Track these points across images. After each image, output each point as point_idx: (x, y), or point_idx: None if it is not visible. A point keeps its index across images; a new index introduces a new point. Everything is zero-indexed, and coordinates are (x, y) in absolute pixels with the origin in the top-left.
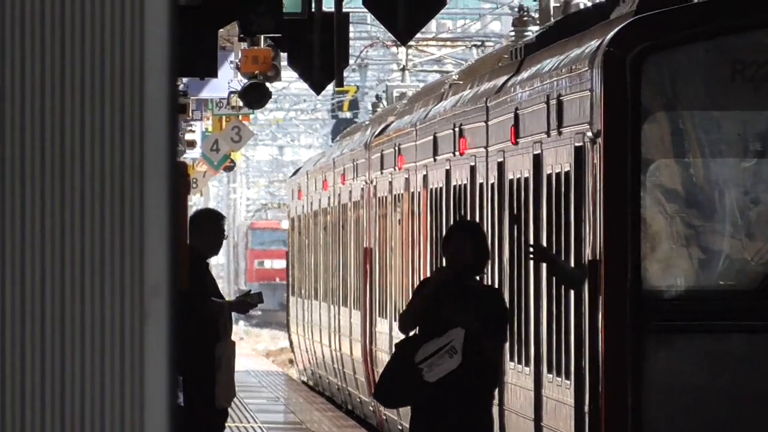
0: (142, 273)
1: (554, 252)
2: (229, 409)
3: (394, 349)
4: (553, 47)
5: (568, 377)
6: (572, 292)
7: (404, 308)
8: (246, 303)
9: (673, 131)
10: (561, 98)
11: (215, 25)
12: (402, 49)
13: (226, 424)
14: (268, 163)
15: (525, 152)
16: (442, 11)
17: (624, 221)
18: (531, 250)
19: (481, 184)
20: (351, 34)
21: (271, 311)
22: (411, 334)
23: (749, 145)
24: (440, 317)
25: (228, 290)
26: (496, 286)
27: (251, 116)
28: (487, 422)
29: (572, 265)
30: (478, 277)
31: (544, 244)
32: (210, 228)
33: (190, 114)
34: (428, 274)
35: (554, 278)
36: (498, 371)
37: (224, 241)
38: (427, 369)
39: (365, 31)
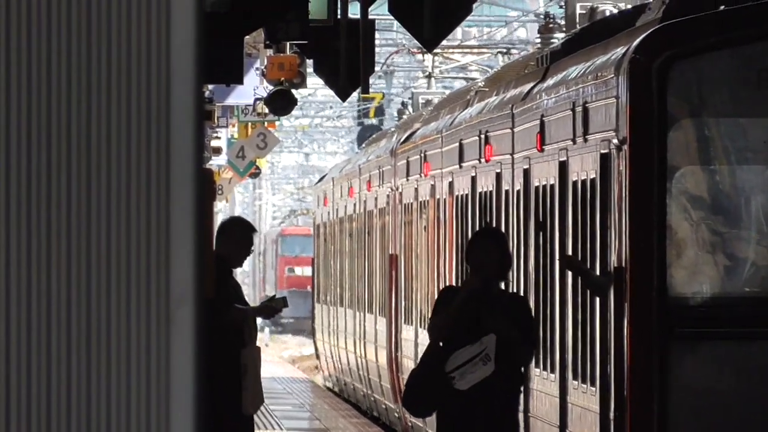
0: (168, 281)
1: (580, 259)
2: (255, 416)
3: (421, 358)
4: (579, 54)
5: (593, 384)
6: (597, 298)
7: (431, 317)
8: (270, 308)
9: (698, 138)
10: (587, 105)
11: (241, 32)
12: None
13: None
14: (294, 169)
15: (551, 159)
16: (468, 18)
17: (650, 228)
18: (559, 259)
19: (506, 191)
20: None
21: (303, 318)
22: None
23: None
24: (472, 325)
25: (253, 297)
26: (522, 292)
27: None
28: (514, 429)
29: (598, 272)
30: (502, 285)
31: (570, 250)
32: (239, 238)
33: (216, 121)
34: (453, 281)
35: (582, 286)
36: (523, 378)
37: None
38: (459, 377)
39: (391, 38)
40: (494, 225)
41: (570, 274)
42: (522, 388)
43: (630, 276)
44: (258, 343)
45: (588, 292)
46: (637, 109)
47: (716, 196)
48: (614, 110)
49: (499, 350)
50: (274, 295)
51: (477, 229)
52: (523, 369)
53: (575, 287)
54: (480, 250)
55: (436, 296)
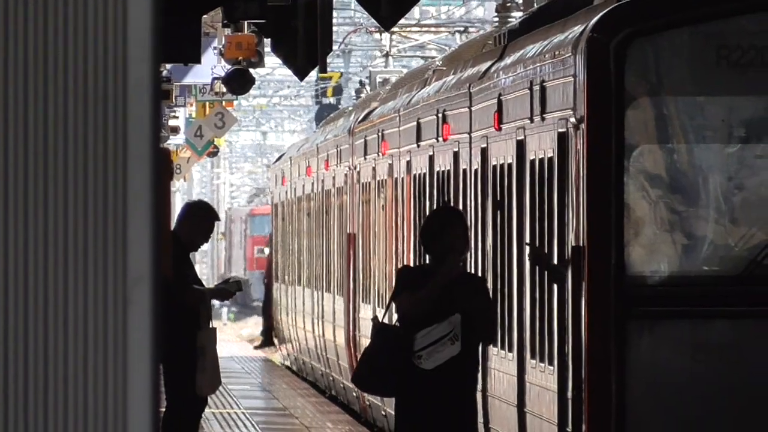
0: (125, 260)
1: (538, 240)
2: (213, 395)
3: (373, 335)
4: (537, 33)
5: (551, 363)
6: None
7: (396, 296)
8: (226, 291)
9: (657, 117)
10: (544, 84)
11: (199, 11)
12: (386, 35)
13: (210, 411)
14: (252, 148)
15: (508, 138)
16: None
17: (607, 207)
18: (529, 252)
19: (464, 170)
20: (334, 20)
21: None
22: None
23: (733, 130)
24: (444, 305)
25: (211, 278)
26: (480, 272)
27: (235, 102)
28: (473, 408)
29: (556, 252)
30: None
31: (528, 229)
32: (201, 223)
33: (174, 100)
34: (411, 260)
35: (548, 280)
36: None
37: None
38: (426, 356)
39: (349, 17)
40: (452, 204)
41: (528, 251)
42: (479, 368)
43: (588, 255)
44: (215, 324)
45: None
46: (594, 87)
47: (674, 175)
48: (572, 89)
49: (464, 330)
50: (230, 278)
51: (435, 207)
52: (480, 349)
53: (533, 266)
54: (451, 230)
55: (394, 275)
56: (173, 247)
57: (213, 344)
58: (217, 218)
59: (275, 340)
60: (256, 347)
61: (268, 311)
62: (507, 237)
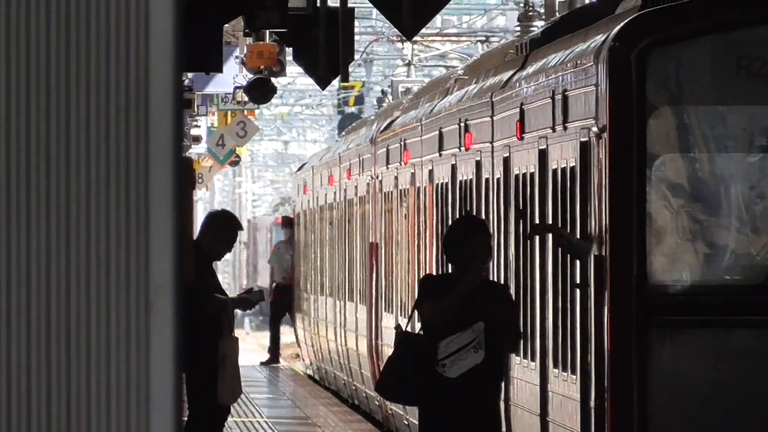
0: (148, 269)
1: (559, 248)
2: (235, 404)
3: (396, 344)
4: (559, 42)
5: (573, 372)
6: (578, 291)
7: (419, 305)
8: (248, 300)
9: (678, 126)
10: (566, 93)
11: (220, 20)
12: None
13: (232, 419)
14: (274, 157)
15: (530, 147)
16: (448, 6)
17: (629, 216)
18: (535, 226)
19: (486, 179)
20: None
21: None
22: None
23: (755, 139)
24: (467, 314)
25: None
26: (502, 280)
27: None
28: (497, 416)
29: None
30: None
31: (550, 239)
32: (223, 232)
33: (196, 109)
34: (433, 269)
35: (560, 249)
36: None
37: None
38: (449, 365)
39: (370, 26)
40: (474, 213)
41: (551, 239)
42: (504, 377)
43: (610, 264)
44: (237, 333)
45: (568, 253)
46: (616, 96)
47: (696, 184)
48: (594, 98)
49: (487, 338)
50: (252, 288)
51: (457, 216)
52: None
53: (555, 275)
54: (474, 239)
55: (417, 284)
56: (195, 256)
57: (234, 353)
58: (240, 228)
59: (298, 350)
60: (262, 363)
61: (275, 324)
62: (530, 246)
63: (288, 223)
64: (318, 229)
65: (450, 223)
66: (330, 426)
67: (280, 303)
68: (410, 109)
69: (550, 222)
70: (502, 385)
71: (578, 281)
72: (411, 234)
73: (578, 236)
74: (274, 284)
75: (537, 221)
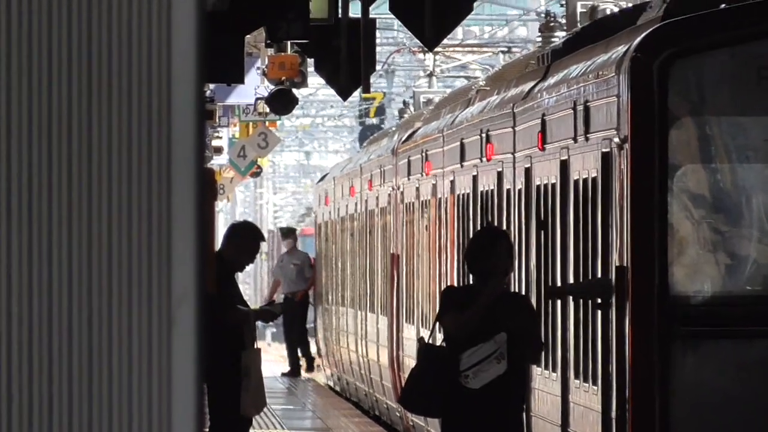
0: (170, 281)
1: (581, 257)
2: (257, 416)
3: (419, 356)
4: (580, 53)
5: (595, 383)
6: (599, 299)
7: (441, 316)
8: (270, 312)
9: (700, 137)
10: (588, 104)
11: (242, 31)
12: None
13: (253, 431)
14: (295, 168)
15: (552, 158)
16: (469, 17)
17: (651, 227)
18: (548, 289)
19: (508, 190)
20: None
21: None
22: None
23: None
24: (488, 325)
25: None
26: (524, 291)
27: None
28: (519, 427)
29: (599, 273)
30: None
31: (572, 249)
32: (247, 243)
33: (217, 120)
34: (455, 280)
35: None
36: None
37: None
38: (472, 376)
39: (392, 37)
40: (495, 224)
41: (572, 270)
42: (526, 387)
43: (632, 275)
44: (259, 344)
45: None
46: (638, 107)
47: (717, 195)
48: (615, 109)
49: (509, 349)
50: (273, 300)
51: (479, 228)
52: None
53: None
54: (495, 250)
55: (438, 295)
56: (217, 268)
57: (257, 365)
58: (263, 239)
59: (320, 360)
60: (283, 374)
61: (289, 336)
62: (551, 257)
63: (287, 233)
64: (339, 239)
65: (471, 234)
66: None
67: (291, 315)
68: (431, 119)
69: (572, 252)
70: (525, 396)
71: (600, 300)
72: (432, 245)
73: (599, 269)
74: (282, 297)
75: (558, 232)
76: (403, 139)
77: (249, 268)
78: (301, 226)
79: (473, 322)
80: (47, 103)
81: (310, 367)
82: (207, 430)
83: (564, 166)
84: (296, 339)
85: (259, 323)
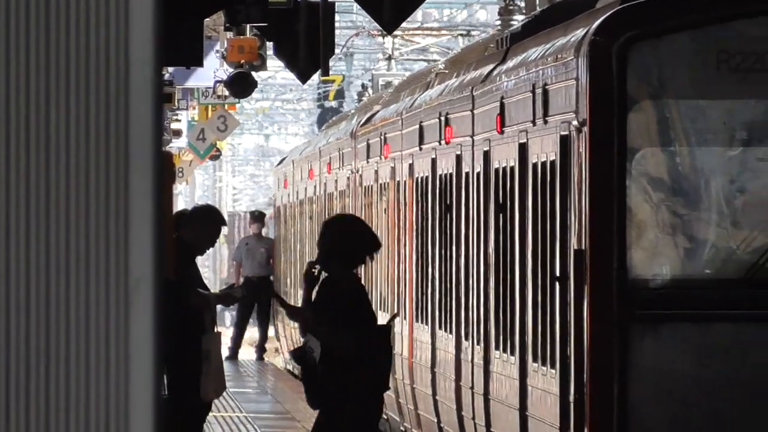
0: (128, 263)
1: (540, 239)
2: (216, 400)
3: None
4: (539, 36)
5: (553, 366)
6: (557, 283)
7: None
8: (231, 296)
9: (659, 120)
10: (547, 87)
11: (201, 14)
12: (388, 38)
13: (212, 414)
14: (254, 151)
15: (511, 141)
16: (428, 0)
17: (610, 210)
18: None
19: (467, 173)
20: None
21: None
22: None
23: (735, 134)
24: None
25: (214, 282)
26: (483, 275)
27: (237, 105)
28: (360, 415)
29: (559, 257)
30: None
31: (530, 233)
32: (208, 227)
33: (176, 103)
34: (413, 264)
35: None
36: (363, 362)
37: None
38: (309, 353)
39: (351, 21)
40: (454, 207)
41: (530, 254)
42: (362, 374)
43: (590, 258)
44: (219, 328)
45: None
46: (596, 90)
47: (676, 178)
48: (574, 92)
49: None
50: (234, 284)
51: (436, 210)
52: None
53: (535, 269)
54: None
55: (396, 279)
56: (178, 251)
57: (218, 348)
58: (224, 222)
59: (278, 343)
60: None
61: (242, 320)
62: (510, 240)
63: (258, 217)
64: (298, 222)
65: (429, 217)
66: (310, 420)
67: (252, 299)
68: (390, 103)
69: (530, 235)
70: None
71: (558, 275)
72: (391, 228)
73: (558, 253)
74: (242, 279)
75: (517, 215)
76: (362, 122)
77: (208, 251)
78: (270, 212)
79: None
80: (5, 86)
81: (260, 357)
82: (167, 413)
83: (523, 149)
84: (261, 322)
85: (219, 306)
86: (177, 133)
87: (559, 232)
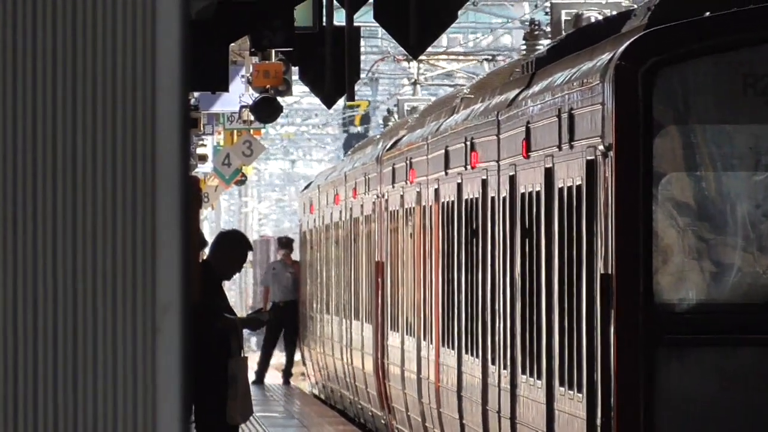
0: (155, 289)
1: (566, 267)
2: (243, 424)
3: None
4: (565, 61)
5: (580, 390)
6: (584, 306)
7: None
8: (257, 320)
9: (684, 145)
10: (572, 112)
11: (227, 40)
12: (413, 63)
13: None
14: (280, 176)
15: (536, 166)
16: (453, 25)
17: (636, 235)
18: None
19: (492, 198)
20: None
21: None
22: None
23: (761, 158)
24: None
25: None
26: (509, 299)
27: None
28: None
29: (585, 277)
30: None
31: (556, 257)
32: (236, 252)
33: (202, 128)
34: (439, 287)
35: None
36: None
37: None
38: None
39: (376, 46)
40: (480, 232)
41: (557, 278)
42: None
43: (616, 282)
44: (246, 353)
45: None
46: (622, 115)
47: (702, 203)
48: (600, 117)
49: None
50: (261, 308)
51: (462, 235)
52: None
53: (561, 293)
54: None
55: (422, 303)
56: (205, 276)
57: (244, 373)
58: (250, 248)
59: (304, 368)
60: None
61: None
62: (536, 265)
63: (286, 243)
64: (324, 247)
65: (456, 242)
66: None
67: (279, 323)
68: (416, 127)
69: (557, 260)
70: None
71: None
72: (417, 253)
73: (584, 277)
74: (270, 304)
75: (543, 240)
76: (388, 147)
77: (236, 276)
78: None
79: None
80: (32, 112)
81: (286, 381)
82: None
83: (548, 174)
84: (287, 346)
85: (246, 331)
86: (203, 158)
87: (586, 257)
